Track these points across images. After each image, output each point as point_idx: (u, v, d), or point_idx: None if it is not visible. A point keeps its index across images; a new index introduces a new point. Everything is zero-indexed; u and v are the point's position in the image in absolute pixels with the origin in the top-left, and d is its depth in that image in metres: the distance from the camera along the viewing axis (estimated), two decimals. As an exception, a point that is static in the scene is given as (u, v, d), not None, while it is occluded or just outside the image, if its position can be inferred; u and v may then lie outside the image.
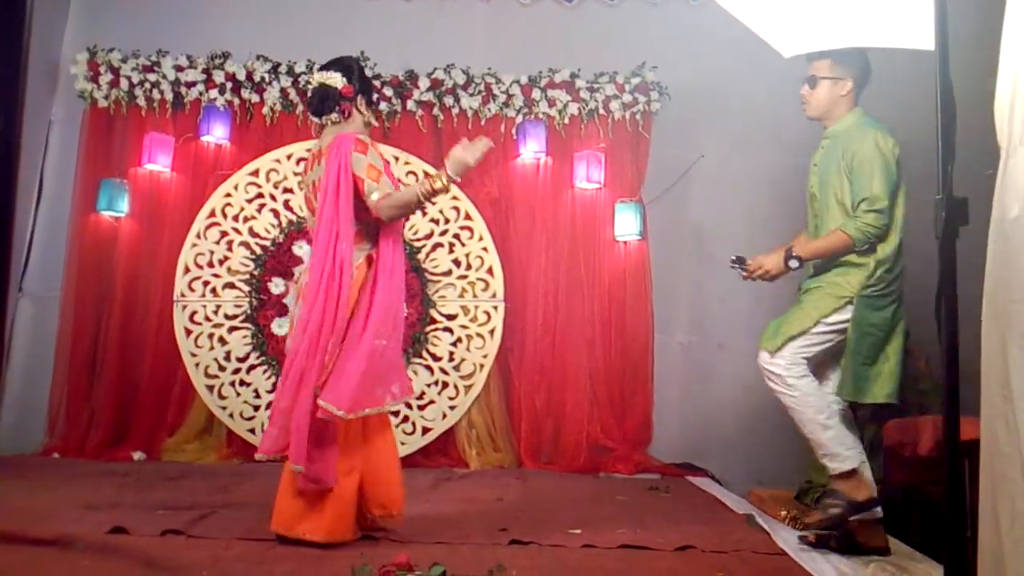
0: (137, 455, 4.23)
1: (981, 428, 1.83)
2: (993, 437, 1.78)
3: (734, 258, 3.01)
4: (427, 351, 4.40)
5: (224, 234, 4.41)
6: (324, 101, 2.73)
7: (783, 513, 3.68)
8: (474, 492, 3.60)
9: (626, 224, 4.50)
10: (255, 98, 4.54)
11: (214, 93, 4.52)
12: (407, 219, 3.28)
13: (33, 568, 2.20)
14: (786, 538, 2.84)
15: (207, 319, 4.36)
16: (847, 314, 2.83)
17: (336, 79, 2.73)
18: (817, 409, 2.82)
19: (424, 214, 4.37)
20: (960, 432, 1.75)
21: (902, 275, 2.88)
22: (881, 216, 2.78)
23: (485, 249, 4.46)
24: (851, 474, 2.81)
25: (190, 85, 4.52)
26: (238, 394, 4.29)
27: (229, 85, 4.53)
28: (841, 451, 2.81)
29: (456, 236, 4.47)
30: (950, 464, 1.77)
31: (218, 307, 4.37)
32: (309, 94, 2.86)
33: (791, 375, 2.83)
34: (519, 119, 4.58)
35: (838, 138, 2.96)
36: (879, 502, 2.86)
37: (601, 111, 4.58)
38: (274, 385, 3.87)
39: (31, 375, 4.42)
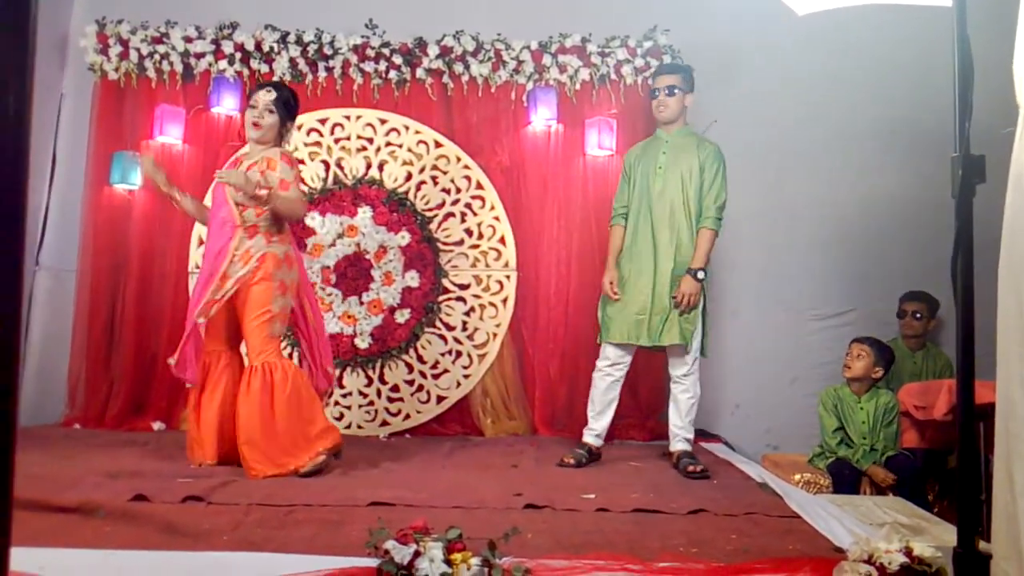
0: (157, 425, 4.29)
1: (996, 390, 1.82)
2: (1009, 399, 1.77)
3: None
4: (440, 320, 4.42)
5: (236, 205, 4.41)
6: None
7: (797, 477, 3.70)
8: (489, 459, 3.64)
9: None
10: (264, 68, 4.52)
11: (223, 64, 4.50)
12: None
13: (57, 534, 2.23)
14: (799, 501, 2.84)
15: (222, 290, 4.38)
16: None
17: None
18: None
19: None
20: (976, 395, 1.74)
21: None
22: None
23: (497, 218, 4.45)
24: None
25: (199, 56, 4.51)
26: (254, 364, 4.32)
27: (238, 56, 4.51)
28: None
29: (468, 205, 4.46)
30: (964, 427, 1.77)
31: (232, 278, 4.38)
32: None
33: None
34: (530, 86, 4.53)
35: (683, 144, 3.56)
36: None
37: (612, 76, 4.53)
38: (290, 354, 3.89)
39: (50, 348, 4.48)
